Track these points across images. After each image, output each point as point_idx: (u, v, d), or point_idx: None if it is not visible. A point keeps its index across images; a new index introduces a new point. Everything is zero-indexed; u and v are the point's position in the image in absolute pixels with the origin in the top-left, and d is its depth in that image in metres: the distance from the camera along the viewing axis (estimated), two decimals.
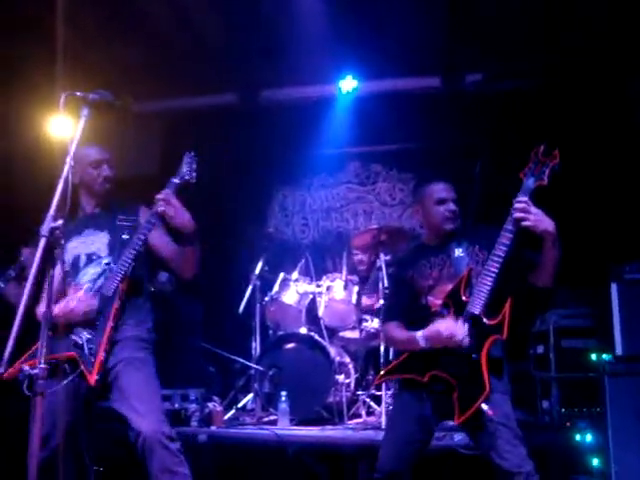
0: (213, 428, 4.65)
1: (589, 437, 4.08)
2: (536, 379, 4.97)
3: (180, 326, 5.10)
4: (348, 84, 6.55)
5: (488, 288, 2.91)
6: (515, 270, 3.00)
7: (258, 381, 5.02)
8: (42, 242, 2.38)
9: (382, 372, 3.68)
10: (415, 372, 3.05)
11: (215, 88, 6.75)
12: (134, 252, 3.11)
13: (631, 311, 3.80)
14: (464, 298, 2.98)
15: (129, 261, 3.11)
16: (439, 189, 3.27)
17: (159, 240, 3.25)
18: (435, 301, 3.11)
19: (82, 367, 2.94)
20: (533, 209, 2.86)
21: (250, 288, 5.48)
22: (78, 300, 3.05)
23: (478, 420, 2.83)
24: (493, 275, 2.91)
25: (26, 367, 2.35)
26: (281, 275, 5.55)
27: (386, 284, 5.00)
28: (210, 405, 4.83)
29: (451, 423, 3.09)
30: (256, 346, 5.42)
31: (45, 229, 2.39)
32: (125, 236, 3.21)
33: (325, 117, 6.76)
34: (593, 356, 4.45)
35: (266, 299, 5.49)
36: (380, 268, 5.08)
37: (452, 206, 3.22)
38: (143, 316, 3.26)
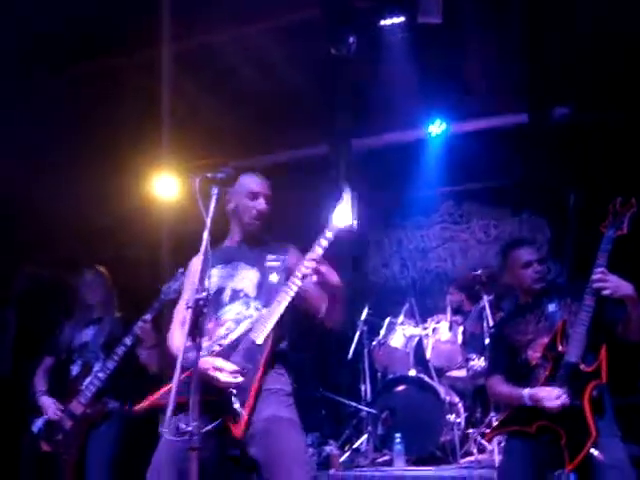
0: (332, 471, 4.79)
1: None
2: None
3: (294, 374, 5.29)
4: (437, 128, 6.70)
5: (583, 337, 3.05)
6: (601, 324, 3.14)
7: (371, 423, 5.17)
8: (189, 314, 2.47)
9: (492, 428, 3.85)
10: (523, 424, 3.16)
11: (307, 141, 7.03)
12: (288, 298, 2.82)
13: None
14: (560, 348, 3.14)
15: (283, 308, 2.82)
16: (524, 253, 3.44)
17: (312, 293, 2.93)
18: (534, 354, 3.26)
19: (227, 416, 2.63)
20: (610, 277, 3.02)
21: (357, 334, 5.67)
22: (224, 372, 2.70)
23: (589, 465, 2.91)
24: (586, 324, 3.05)
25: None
26: (387, 319, 5.71)
27: (491, 323, 5.12)
28: (327, 449, 5.01)
29: None
30: (366, 389, 5.58)
31: (191, 300, 2.49)
32: (273, 278, 2.94)
33: (416, 160, 6.88)
34: None
35: (374, 343, 5.65)
36: (484, 307, 5.20)
37: (538, 267, 3.39)
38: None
